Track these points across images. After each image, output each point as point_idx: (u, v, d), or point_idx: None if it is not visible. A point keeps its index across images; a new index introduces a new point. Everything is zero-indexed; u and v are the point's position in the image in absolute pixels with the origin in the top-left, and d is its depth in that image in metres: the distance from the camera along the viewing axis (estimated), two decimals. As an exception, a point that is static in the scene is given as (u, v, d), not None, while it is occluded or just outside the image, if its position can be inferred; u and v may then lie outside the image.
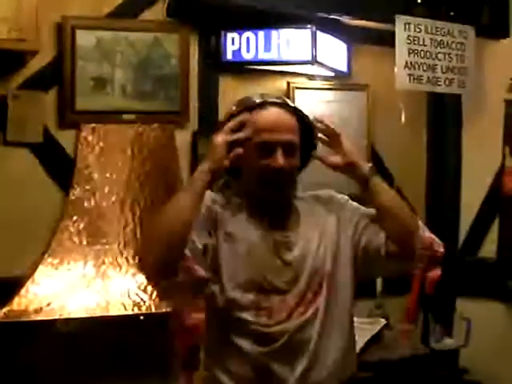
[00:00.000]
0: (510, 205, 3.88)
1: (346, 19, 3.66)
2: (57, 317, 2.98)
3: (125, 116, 3.33)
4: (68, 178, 3.22)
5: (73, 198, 3.20)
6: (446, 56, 3.73)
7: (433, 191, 4.17)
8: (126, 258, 3.20)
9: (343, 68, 3.77)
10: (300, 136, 1.98)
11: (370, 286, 3.56)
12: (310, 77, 3.77)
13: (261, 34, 3.48)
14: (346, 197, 2.11)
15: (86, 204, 3.21)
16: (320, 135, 2.04)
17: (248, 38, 3.48)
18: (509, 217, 3.90)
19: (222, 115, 3.25)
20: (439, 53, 3.72)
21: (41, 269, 3.07)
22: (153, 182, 3.35)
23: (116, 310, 3.08)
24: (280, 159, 1.91)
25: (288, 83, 3.71)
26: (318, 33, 3.51)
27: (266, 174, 1.93)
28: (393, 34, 3.60)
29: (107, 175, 3.27)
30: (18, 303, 2.97)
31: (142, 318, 3.06)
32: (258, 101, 1.98)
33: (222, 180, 2.05)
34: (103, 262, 3.18)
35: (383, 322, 3.52)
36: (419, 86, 3.70)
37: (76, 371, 2.96)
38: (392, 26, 3.59)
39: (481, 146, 3.98)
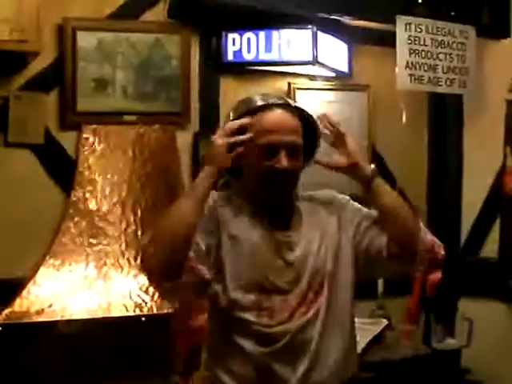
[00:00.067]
0: (511, 204, 3.88)
1: (346, 19, 3.66)
2: (58, 318, 2.98)
3: (126, 117, 3.33)
4: (69, 180, 3.22)
5: (74, 199, 3.20)
6: (447, 56, 3.73)
7: (434, 191, 4.17)
8: (128, 260, 3.20)
9: (344, 68, 3.77)
10: (303, 136, 1.98)
11: (371, 286, 3.56)
12: (311, 77, 3.77)
13: (261, 34, 3.48)
14: (347, 197, 2.11)
15: (87, 205, 3.21)
16: (325, 132, 2.03)
17: (249, 39, 3.48)
18: (510, 216, 3.89)
19: (223, 116, 3.30)
20: (440, 53, 3.71)
21: (42, 270, 3.07)
22: (154, 182, 3.35)
23: (118, 312, 3.07)
24: (284, 161, 1.91)
25: (289, 84, 3.71)
26: (319, 33, 3.51)
27: (270, 176, 1.93)
28: (394, 34, 3.60)
29: (108, 176, 3.27)
30: (19, 305, 2.97)
31: (143, 319, 3.06)
32: (259, 103, 1.97)
33: (222, 180, 2.05)
34: (105, 264, 3.18)
35: (385, 322, 3.52)
36: (420, 86, 3.70)
37: (77, 372, 2.96)
38: (393, 26, 3.59)
39: (482, 146, 3.98)
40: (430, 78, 3.69)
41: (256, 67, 3.57)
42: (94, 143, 3.27)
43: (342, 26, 3.69)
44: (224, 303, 1.92)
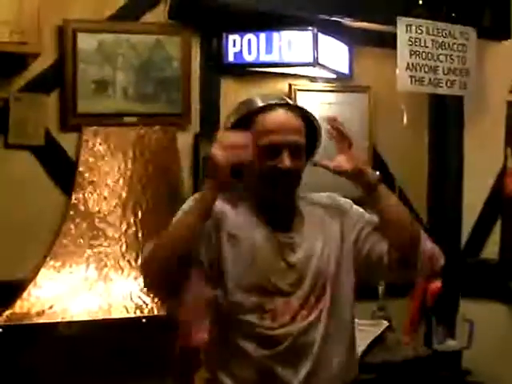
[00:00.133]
0: (511, 206, 3.88)
1: (347, 21, 3.66)
2: (59, 320, 2.98)
3: (126, 118, 3.32)
4: (70, 181, 3.21)
5: (74, 200, 3.20)
6: (448, 57, 3.73)
7: (435, 192, 4.17)
8: (128, 261, 3.19)
9: (345, 70, 3.77)
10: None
11: (372, 288, 3.55)
12: (312, 79, 3.77)
13: (262, 36, 3.48)
14: (350, 201, 2.10)
15: (87, 207, 3.21)
16: (331, 132, 2.01)
17: (249, 40, 3.48)
18: (511, 218, 3.89)
19: (223, 117, 3.29)
20: (441, 54, 3.72)
21: (43, 272, 3.07)
22: (154, 184, 3.35)
23: (118, 313, 3.07)
24: (287, 161, 1.91)
25: (290, 85, 3.71)
26: (320, 35, 3.50)
27: (273, 176, 1.92)
28: (394, 35, 3.60)
29: (109, 178, 3.27)
30: (20, 306, 2.96)
31: (144, 320, 3.05)
32: (261, 104, 1.97)
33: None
34: (105, 265, 3.17)
35: (385, 323, 3.52)
36: (421, 87, 3.69)
37: (78, 374, 2.96)
38: (393, 27, 3.59)
39: (483, 148, 3.98)
40: (430, 79, 3.70)
41: (256, 69, 3.56)
42: (94, 145, 3.27)
43: (342, 27, 3.69)
44: (225, 305, 1.91)
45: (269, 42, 3.48)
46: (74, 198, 3.20)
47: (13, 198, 3.14)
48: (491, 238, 3.98)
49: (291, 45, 3.48)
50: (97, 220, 3.21)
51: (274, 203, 1.98)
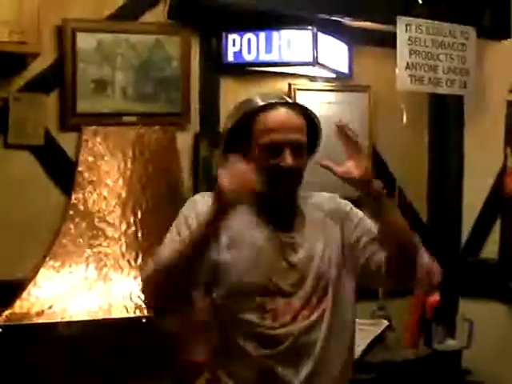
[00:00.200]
0: (511, 206, 3.88)
1: (347, 20, 3.65)
2: (58, 320, 2.98)
3: (126, 118, 3.32)
4: (69, 181, 3.21)
5: (74, 200, 3.19)
6: (448, 57, 3.72)
7: (435, 192, 4.16)
8: (128, 261, 3.19)
9: (344, 69, 3.77)
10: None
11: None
12: (312, 78, 3.77)
13: (262, 35, 3.47)
14: (350, 204, 2.08)
15: (87, 206, 3.21)
16: (339, 138, 1.97)
17: (249, 40, 3.48)
18: (511, 217, 3.89)
19: (223, 117, 3.30)
20: (440, 54, 3.72)
21: (42, 272, 3.06)
22: (154, 184, 3.34)
23: (118, 313, 3.07)
24: (288, 159, 1.90)
25: (289, 85, 3.71)
26: (319, 34, 3.50)
27: (275, 174, 1.92)
28: (394, 35, 3.59)
29: (108, 177, 3.27)
30: (19, 306, 2.96)
31: (144, 320, 3.05)
32: (261, 103, 1.97)
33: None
34: (105, 265, 3.17)
35: (385, 323, 3.52)
36: (421, 87, 3.69)
37: (78, 374, 2.95)
38: (393, 27, 3.59)
39: (483, 147, 3.98)
40: (430, 78, 3.70)
41: (256, 68, 3.56)
42: (94, 144, 3.26)
43: (342, 26, 3.69)
44: (226, 305, 1.91)
45: (268, 41, 3.47)
46: (73, 197, 3.19)
47: (12, 198, 3.14)
48: (491, 238, 3.98)
49: (291, 44, 3.48)
50: (96, 220, 3.21)
51: (276, 202, 1.97)
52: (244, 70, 3.56)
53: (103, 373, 2.97)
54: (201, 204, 1.95)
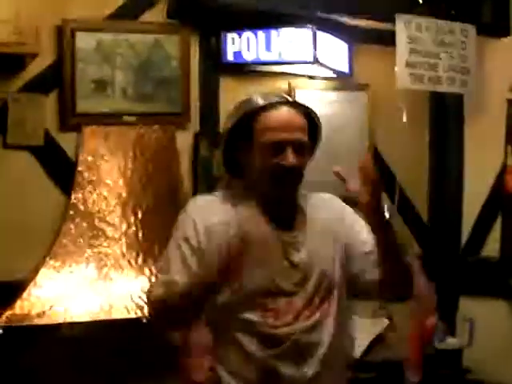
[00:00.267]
0: (512, 203, 3.88)
1: (346, 19, 3.65)
2: (59, 320, 2.97)
3: (126, 118, 3.32)
4: (69, 181, 3.21)
5: (74, 200, 3.19)
6: (448, 55, 3.72)
7: (435, 190, 4.16)
8: (129, 261, 3.19)
9: (344, 68, 3.76)
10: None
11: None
12: (311, 77, 3.76)
13: (261, 34, 3.47)
14: (349, 208, 2.08)
15: (87, 206, 3.20)
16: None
17: (248, 39, 3.47)
18: (511, 215, 3.89)
19: (223, 116, 3.29)
20: (440, 52, 3.70)
21: (43, 272, 3.06)
22: (154, 183, 3.34)
23: (119, 314, 3.06)
24: (291, 158, 1.90)
25: (289, 83, 3.70)
26: (319, 33, 3.50)
27: (277, 173, 1.91)
28: (393, 33, 3.59)
29: (108, 177, 3.27)
30: (20, 307, 2.95)
31: (144, 321, 3.05)
32: (261, 102, 1.96)
33: (223, 181, 2.05)
34: (105, 265, 3.17)
35: (386, 322, 3.52)
36: (421, 85, 3.69)
37: (79, 375, 2.96)
38: (393, 25, 3.59)
39: (483, 145, 3.98)
40: (430, 77, 3.68)
41: (256, 67, 3.56)
42: (93, 144, 3.26)
43: (341, 25, 3.68)
44: (228, 304, 1.91)
45: (267, 40, 3.47)
46: (73, 197, 3.19)
47: (12, 199, 3.13)
48: (491, 236, 3.98)
49: (290, 43, 3.47)
50: (96, 220, 3.21)
51: (277, 201, 1.97)
52: (244, 69, 3.56)
53: (104, 373, 2.97)
54: (207, 210, 1.94)
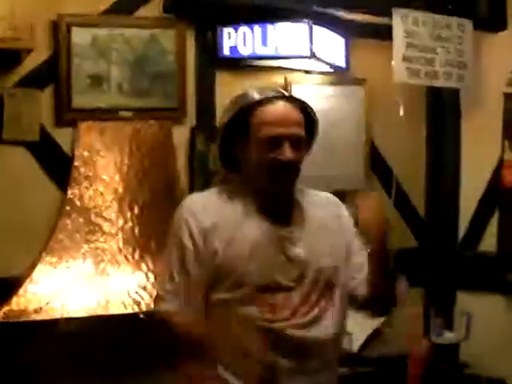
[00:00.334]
0: (509, 198, 3.88)
1: (342, 13, 3.64)
2: (57, 316, 2.96)
3: (122, 113, 3.31)
4: (65, 176, 3.20)
5: (70, 195, 3.18)
6: (444, 49, 3.71)
7: (432, 185, 4.16)
8: (125, 256, 3.18)
9: (341, 62, 3.75)
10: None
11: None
12: (308, 71, 3.76)
13: (257, 28, 3.46)
14: (346, 212, 2.09)
15: (83, 202, 3.19)
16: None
17: (244, 33, 3.46)
18: (508, 210, 3.89)
19: (219, 111, 3.29)
20: (437, 46, 3.70)
21: (39, 267, 3.05)
22: (151, 178, 3.33)
23: (116, 309, 3.06)
24: (288, 152, 1.90)
25: (285, 78, 3.70)
26: (315, 27, 3.48)
27: (274, 168, 1.92)
28: (390, 27, 3.58)
29: (105, 173, 3.26)
30: (16, 303, 2.95)
31: (142, 316, 3.04)
32: (257, 97, 1.96)
33: (220, 175, 2.05)
34: (102, 260, 3.16)
35: (383, 317, 3.51)
36: (417, 79, 3.68)
37: (76, 370, 2.95)
38: (389, 19, 3.58)
39: (480, 140, 3.98)
40: (427, 71, 3.68)
41: (252, 61, 3.55)
42: (89, 139, 3.25)
43: (338, 19, 3.67)
44: (226, 299, 1.90)
45: (264, 34, 3.46)
46: (69, 193, 3.18)
47: (8, 194, 3.13)
48: (489, 231, 3.98)
49: (286, 37, 3.46)
50: (93, 215, 3.20)
51: (274, 195, 1.97)
52: (240, 64, 3.54)
53: (101, 369, 2.96)
54: (202, 210, 1.94)
